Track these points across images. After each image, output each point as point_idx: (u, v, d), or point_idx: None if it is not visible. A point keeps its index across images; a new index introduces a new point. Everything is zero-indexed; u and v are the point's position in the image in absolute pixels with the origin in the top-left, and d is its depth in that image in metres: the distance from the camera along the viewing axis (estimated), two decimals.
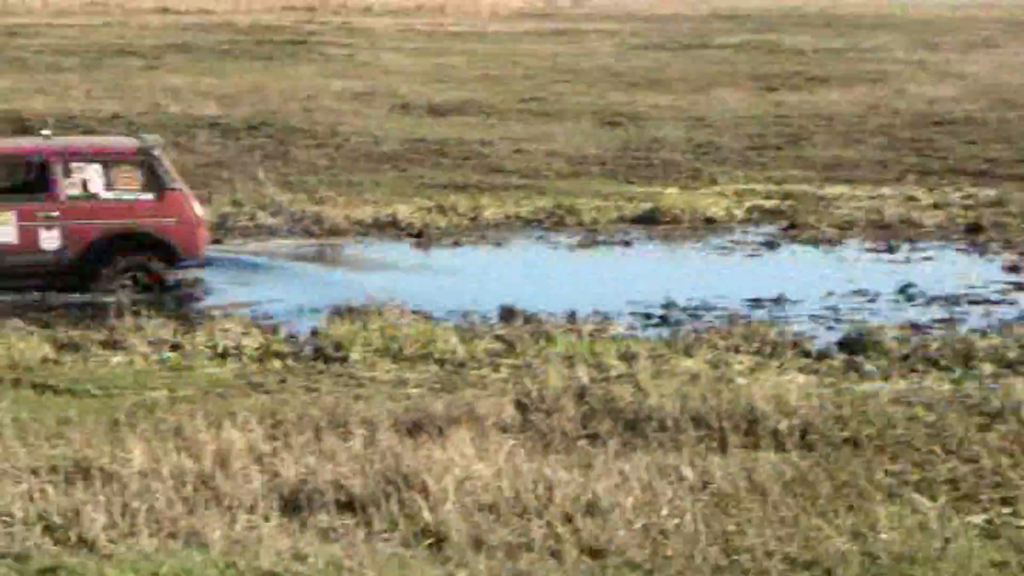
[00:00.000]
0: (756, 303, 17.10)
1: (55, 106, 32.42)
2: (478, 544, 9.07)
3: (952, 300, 17.11)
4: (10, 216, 16.66)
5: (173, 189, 17.11)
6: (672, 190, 24.08)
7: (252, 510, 9.49)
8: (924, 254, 20.03)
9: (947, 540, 9.14)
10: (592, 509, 9.68)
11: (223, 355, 13.95)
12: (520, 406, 11.89)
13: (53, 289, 16.65)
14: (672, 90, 39.40)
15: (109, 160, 17.07)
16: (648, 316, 16.44)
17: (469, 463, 10.29)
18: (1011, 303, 17.07)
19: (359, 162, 26.31)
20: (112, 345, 14.09)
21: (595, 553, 9.01)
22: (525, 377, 12.85)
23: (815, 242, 20.67)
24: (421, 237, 20.52)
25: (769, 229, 21.62)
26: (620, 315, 16.29)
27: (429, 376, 13.49)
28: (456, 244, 20.36)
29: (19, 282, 16.52)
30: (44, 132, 18.00)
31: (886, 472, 10.54)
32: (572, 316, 15.48)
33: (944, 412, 11.96)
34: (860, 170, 26.33)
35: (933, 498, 9.95)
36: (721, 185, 24.72)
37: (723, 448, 11.20)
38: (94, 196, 16.91)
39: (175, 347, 14.06)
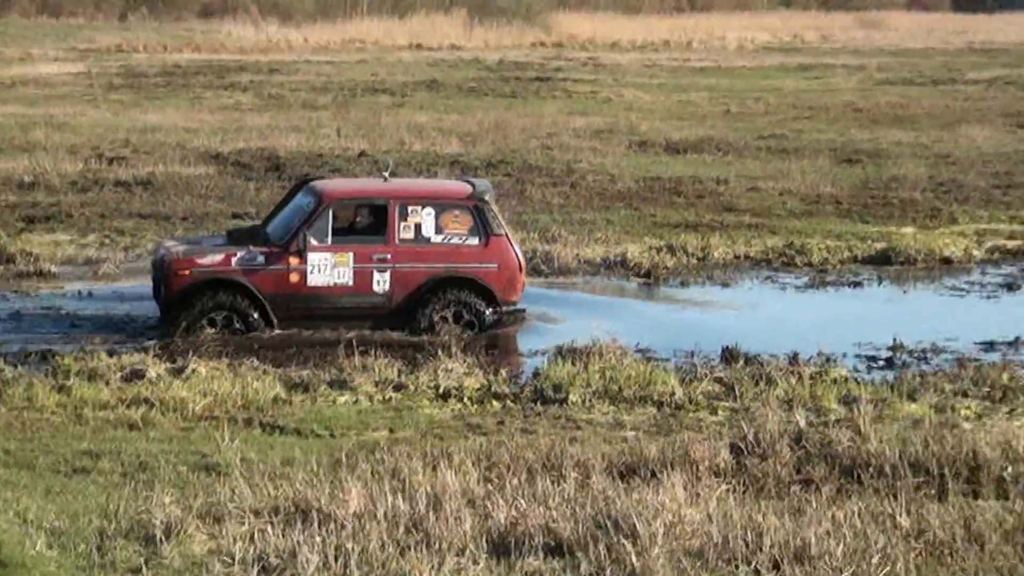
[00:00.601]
0: (989, 346, 16.78)
1: (306, 144, 33.37)
2: None
3: None
4: (348, 258, 17.10)
5: (498, 235, 17.39)
6: (908, 229, 23.74)
7: (461, 553, 9.67)
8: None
9: None
10: (801, 556, 9.65)
11: (444, 396, 14.21)
12: (735, 450, 11.87)
13: (378, 329, 17.13)
14: (917, 127, 38.79)
15: (442, 205, 17.34)
16: (873, 359, 16.26)
17: (680, 508, 10.34)
18: None
19: (593, 200, 26.47)
20: (340, 385, 14.44)
21: None
22: (742, 420, 12.82)
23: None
24: (648, 277, 20.56)
25: (1010, 270, 21.15)
26: (845, 357, 16.20)
27: (646, 418, 13.56)
28: (683, 284, 20.35)
29: (348, 323, 17.10)
30: (384, 174, 18.47)
31: None
32: (794, 358, 15.37)
33: None
34: None
35: None
36: (961, 224, 24.27)
37: (942, 496, 11.06)
38: (425, 240, 17.24)
39: (399, 387, 14.35)
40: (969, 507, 10.72)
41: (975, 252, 22.01)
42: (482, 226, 17.23)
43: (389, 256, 17.05)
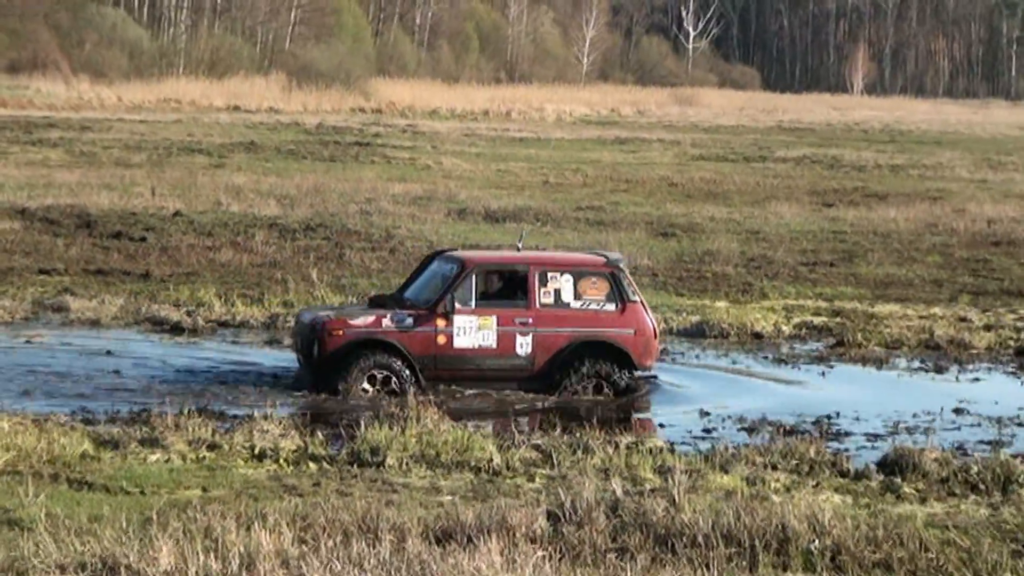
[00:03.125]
0: (800, 419, 17.04)
1: (119, 202, 32.90)
2: None
3: (1002, 422, 16.99)
4: (491, 321, 17.43)
5: (633, 301, 17.86)
6: (721, 303, 24.10)
7: None
8: (974, 375, 19.92)
9: None
10: None
11: (260, 456, 14.01)
12: (552, 517, 11.87)
13: (521, 391, 17.65)
14: (729, 202, 39.55)
15: (580, 272, 17.83)
16: (688, 430, 16.43)
17: (496, 574, 10.28)
18: None
19: (411, 266, 26.40)
20: (151, 443, 14.16)
21: None
22: (559, 488, 12.83)
23: (863, 361, 20.57)
24: None
25: (817, 346, 21.55)
26: (662, 428, 16.46)
27: (463, 483, 13.51)
28: None
29: (491, 384, 17.62)
30: (517, 243, 19.05)
31: None
32: (610, 428, 15.45)
33: (979, 538, 11.86)
34: (913, 289, 26.26)
35: None
36: (771, 300, 24.71)
37: (753, 567, 11.15)
38: (565, 305, 17.67)
39: (213, 447, 14.12)
40: None
41: (784, 327, 22.40)
42: (618, 293, 17.83)
43: (531, 320, 17.57)
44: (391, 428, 14.63)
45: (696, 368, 19.89)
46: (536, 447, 14.57)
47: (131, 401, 16.46)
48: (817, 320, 23.04)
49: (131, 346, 19.76)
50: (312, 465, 13.86)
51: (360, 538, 11.00)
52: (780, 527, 11.65)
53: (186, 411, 15.05)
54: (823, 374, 19.83)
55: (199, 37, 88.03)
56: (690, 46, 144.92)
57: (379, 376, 17.25)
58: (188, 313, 21.31)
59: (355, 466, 13.80)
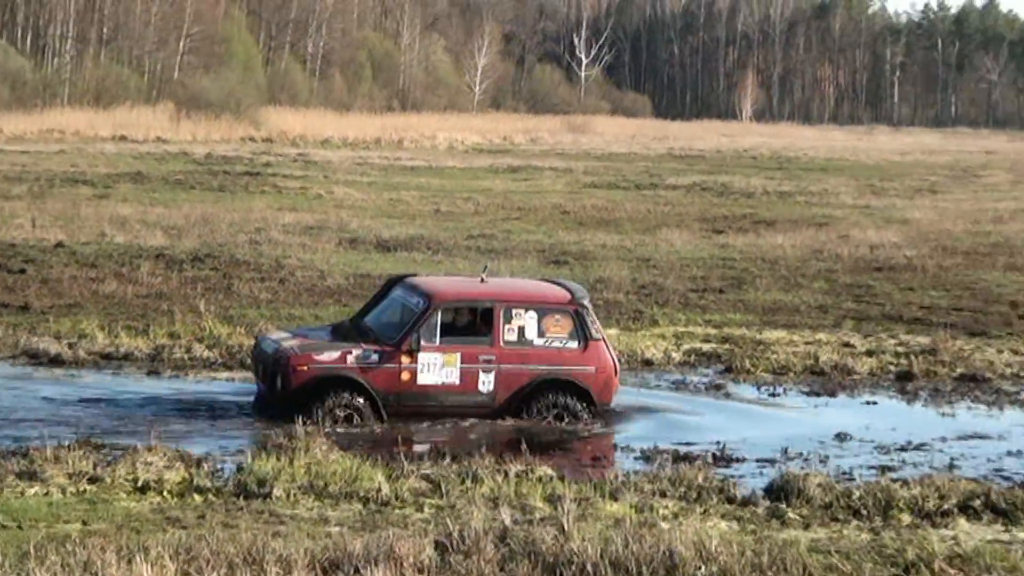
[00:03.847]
0: (689, 446, 17.11)
1: None
2: None
3: (885, 449, 17.15)
4: (455, 358, 17.44)
5: (596, 339, 17.92)
6: (613, 331, 24.15)
7: None
8: (863, 399, 20.12)
9: None
10: None
11: (143, 489, 13.83)
12: (440, 547, 11.83)
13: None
14: (620, 230, 39.73)
15: (545, 310, 17.84)
16: (579, 459, 16.47)
17: None
18: (940, 451, 17.12)
19: (302, 296, 26.33)
20: (29, 476, 13.92)
21: None
22: (447, 517, 12.79)
23: (757, 386, 20.71)
24: None
25: (707, 372, 21.67)
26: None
27: (352, 514, 13.42)
28: None
29: (454, 420, 17.57)
30: (482, 274, 18.95)
31: None
32: (500, 457, 15.42)
33: (860, 562, 11.99)
34: (799, 315, 26.51)
35: None
36: (662, 327, 24.81)
37: None
38: (529, 343, 17.71)
39: (94, 479, 13.92)
40: None
41: (674, 355, 22.50)
42: (581, 330, 17.87)
43: (494, 357, 17.57)
44: (279, 459, 14.53)
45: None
46: (425, 477, 14.51)
47: (6, 435, 16.15)
48: (706, 347, 23.17)
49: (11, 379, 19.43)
50: (197, 497, 13.69)
51: (245, 570, 10.91)
52: (667, 554, 11.71)
53: (67, 444, 14.81)
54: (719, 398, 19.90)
55: (84, 67, 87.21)
56: (582, 74, 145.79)
57: (342, 414, 17.22)
58: (69, 345, 20.96)
59: (241, 498, 13.66)
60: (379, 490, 13.99)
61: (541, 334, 17.79)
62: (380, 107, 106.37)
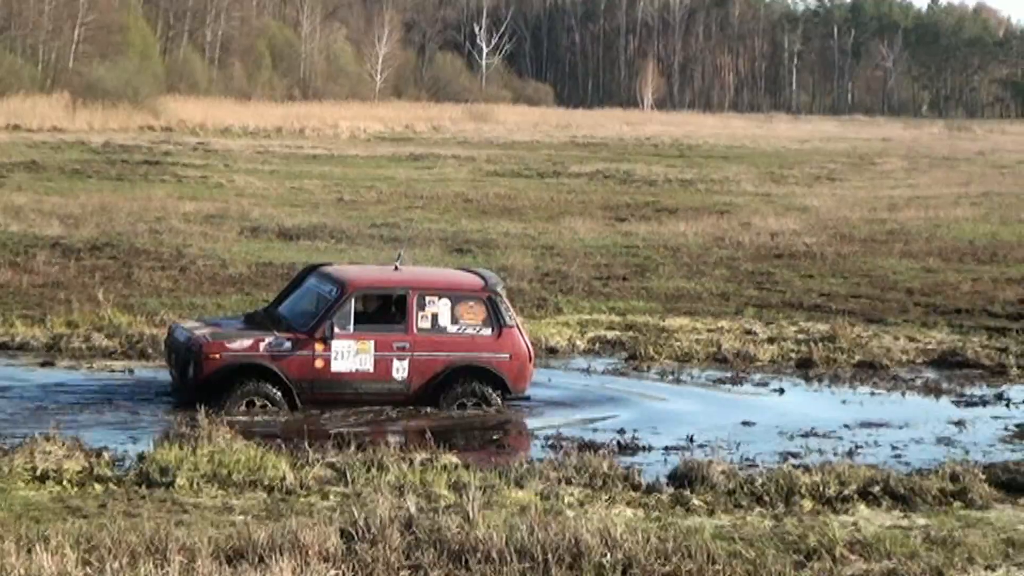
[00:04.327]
0: (594, 431, 17.15)
1: None
2: None
3: (789, 435, 17.26)
4: (369, 345, 17.37)
5: (510, 326, 17.93)
6: (517, 319, 24.15)
7: None
8: (770, 387, 20.24)
9: None
10: None
11: (42, 478, 13.64)
12: (345, 535, 11.78)
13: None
14: (524, 218, 39.78)
15: (458, 297, 17.81)
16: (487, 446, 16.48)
17: None
18: (840, 438, 17.26)
19: (203, 285, 26.12)
20: None
21: None
22: (353, 506, 12.74)
23: (661, 375, 20.79)
24: None
25: (610, 360, 21.73)
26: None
27: (256, 503, 13.33)
28: None
29: (368, 407, 17.48)
30: (396, 262, 18.80)
31: None
32: (404, 445, 15.39)
33: (763, 549, 12.07)
34: (702, 302, 26.65)
35: None
36: (566, 315, 24.85)
37: None
38: (442, 330, 17.65)
39: None
40: None
41: (579, 343, 22.55)
42: (495, 317, 17.87)
43: (408, 345, 17.53)
44: (181, 448, 14.40)
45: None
46: (330, 465, 14.44)
47: None
48: (610, 334, 23.24)
49: None
50: (98, 486, 13.54)
51: (148, 559, 10.80)
52: (573, 541, 11.73)
53: None
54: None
55: None
56: (483, 62, 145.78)
57: (257, 402, 17.15)
58: None
59: (144, 487, 13.53)
60: (283, 478, 13.91)
61: (455, 321, 17.77)
62: (281, 96, 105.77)
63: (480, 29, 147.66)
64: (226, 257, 29.37)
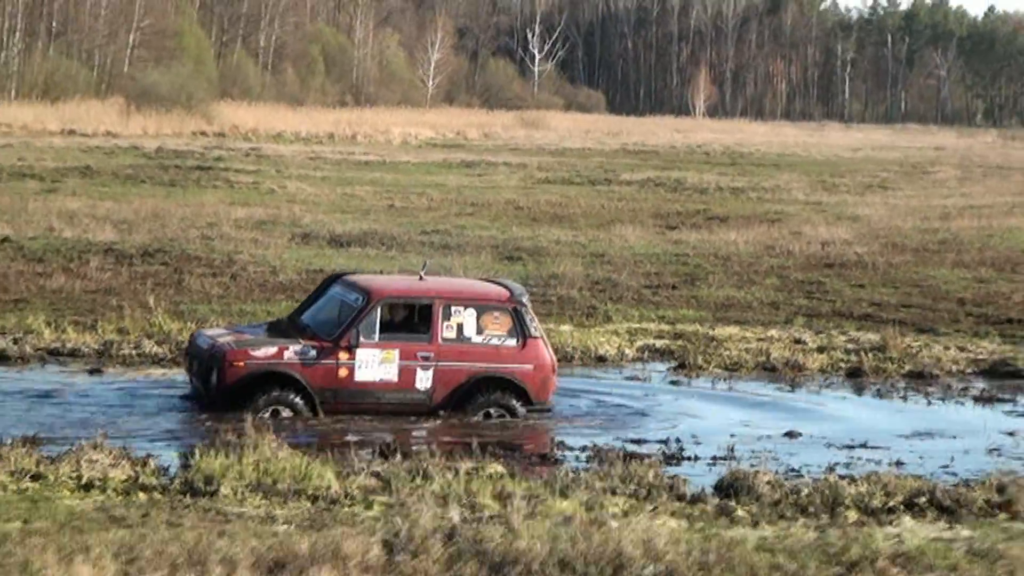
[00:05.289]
0: (638, 443, 17.06)
1: None
2: None
3: (837, 445, 17.15)
4: (394, 355, 17.32)
5: (535, 337, 17.87)
6: (567, 327, 24.12)
7: None
8: (820, 397, 20.12)
9: None
10: None
11: (87, 487, 13.66)
12: (387, 546, 11.73)
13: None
14: (574, 225, 39.70)
15: (484, 307, 17.74)
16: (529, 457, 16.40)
17: None
18: (888, 448, 17.13)
19: (253, 292, 26.17)
20: None
21: None
22: (396, 516, 12.70)
23: (712, 383, 20.72)
24: None
25: (660, 368, 21.65)
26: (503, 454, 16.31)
27: (300, 512, 13.30)
28: None
29: (391, 417, 17.41)
30: (420, 272, 18.65)
31: None
32: (450, 454, 15.33)
33: (805, 561, 11.96)
34: (751, 311, 26.54)
35: None
36: (615, 323, 24.78)
37: None
38: (467, 340, 17.61)
39: (36, 477, 13.74)
40: None
41: (627, 351, 22.47)
42: (520, 328, 17.79)
43: (433, 354, 17.46)
44: (227, 456, 14.38)
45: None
46: (375, 474, 14.39)
47: None
48: (659, 343, 23.14)
49: None
50: (142, 495, 13.53)
51: (188, 570, 10.79)
52: (616, 552, 11.64)
53: (9, 441, 14.62)
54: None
55: (33, 61, 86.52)
56: (536, 69, 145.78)
57: (281, 410, 17.09)
58: (15, 341, 20.74)
59: (188, 496, 13.51)
60: (328, 488, 13.88)
61: (479, 332, 17.69)
62: (333, 102, 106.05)
63: (533, 36, 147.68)
64: (276, 264, 29.42)
